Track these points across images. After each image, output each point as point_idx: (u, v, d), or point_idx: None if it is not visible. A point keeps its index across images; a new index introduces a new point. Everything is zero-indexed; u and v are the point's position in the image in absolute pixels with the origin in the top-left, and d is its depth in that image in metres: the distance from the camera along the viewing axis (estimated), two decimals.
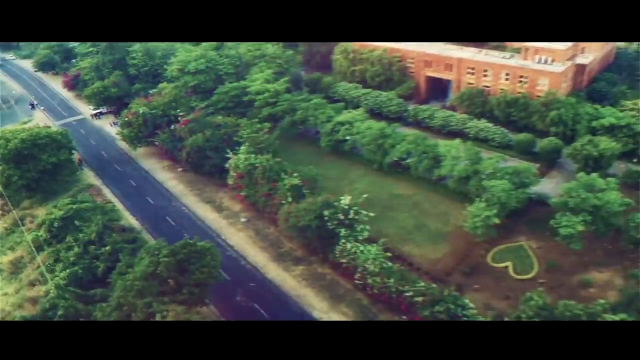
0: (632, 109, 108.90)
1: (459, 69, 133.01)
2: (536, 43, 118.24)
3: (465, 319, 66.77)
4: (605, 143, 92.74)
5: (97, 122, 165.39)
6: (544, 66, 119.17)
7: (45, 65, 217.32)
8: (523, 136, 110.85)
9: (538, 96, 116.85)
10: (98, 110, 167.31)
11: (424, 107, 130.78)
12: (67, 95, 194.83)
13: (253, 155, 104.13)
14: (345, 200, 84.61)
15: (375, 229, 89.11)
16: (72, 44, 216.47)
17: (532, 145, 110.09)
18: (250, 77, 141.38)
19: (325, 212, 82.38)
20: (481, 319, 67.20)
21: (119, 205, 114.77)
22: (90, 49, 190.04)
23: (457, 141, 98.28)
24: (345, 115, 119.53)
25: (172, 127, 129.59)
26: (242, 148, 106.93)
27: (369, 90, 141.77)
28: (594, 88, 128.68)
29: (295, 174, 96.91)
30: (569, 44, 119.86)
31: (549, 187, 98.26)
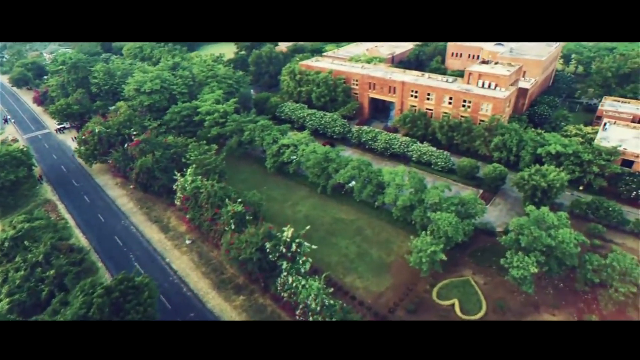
0: (576, 134, 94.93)
1: (402, 91, 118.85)
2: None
3: None
4: (554, 174, 76.38)
5: (61, 137, 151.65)
6: (487, 91, 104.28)
7: (20, 81, 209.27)
8: (467, 161, 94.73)
9: (481, 121, 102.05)
10: (62, 125, 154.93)
11: (367, 128, 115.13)
12: (36, 109, 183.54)
13: (199, 177, 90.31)
14: (288, 232, 69.37)
15: (318, 256, 76.73)
16: (44, 62, 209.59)
17: (475, 170, 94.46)
18: (202, 97, 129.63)
19: (267, 244, 69.10)
20: None
21: (71, 222, 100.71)
22: (60, 67, 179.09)
23: (402, 168, 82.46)
24: (291, 138, 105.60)
25: (126, 145, 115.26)
26: (189, 170, 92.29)
27: (314, 110, 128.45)
28: (535, 111, 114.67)
29: (239, 200, 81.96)
30: (513, 69, 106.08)
31: (494, 214, 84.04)
